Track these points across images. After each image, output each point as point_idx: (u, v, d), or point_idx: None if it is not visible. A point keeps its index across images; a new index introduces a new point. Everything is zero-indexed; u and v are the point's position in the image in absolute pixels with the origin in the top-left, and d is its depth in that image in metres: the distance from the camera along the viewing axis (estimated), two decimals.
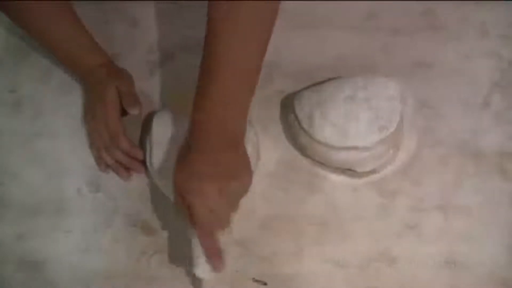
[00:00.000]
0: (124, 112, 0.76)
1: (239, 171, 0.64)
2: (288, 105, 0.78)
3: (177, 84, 0.81)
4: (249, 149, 0.72)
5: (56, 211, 0.74)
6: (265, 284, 0.69)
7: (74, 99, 0.82)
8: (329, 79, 0.77)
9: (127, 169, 0.75)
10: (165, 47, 0.85)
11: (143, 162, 0.75)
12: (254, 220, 0.72)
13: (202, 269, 0.64)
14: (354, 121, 0.72)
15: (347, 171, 0.74)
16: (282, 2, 0.89)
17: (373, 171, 0.74)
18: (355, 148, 0.71)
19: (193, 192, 0.62)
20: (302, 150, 0.76)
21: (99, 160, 0.76)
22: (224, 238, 0.64)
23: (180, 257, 0.70)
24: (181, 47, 0.85)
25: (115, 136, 0.74)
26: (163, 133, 0.73)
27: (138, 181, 0.75)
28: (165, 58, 0.85)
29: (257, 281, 0.69)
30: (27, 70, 0.85)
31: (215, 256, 0.63)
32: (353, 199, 0.73)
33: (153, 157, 0.73)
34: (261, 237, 0.71)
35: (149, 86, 0.82)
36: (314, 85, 0.77)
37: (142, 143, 0.77)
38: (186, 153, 0.64)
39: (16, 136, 0.80)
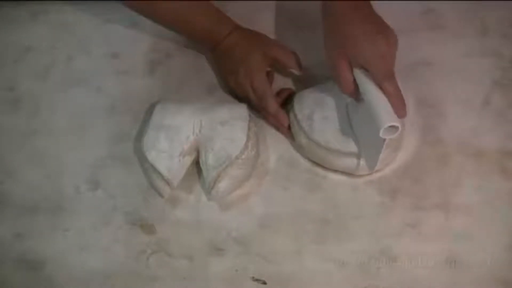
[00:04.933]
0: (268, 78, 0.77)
1: (386, 26, 0.67)
2: (288, 104, 0.78)
3: (176, 81, 0.83)
4: (249, 147, 0.72)
5: (54, 209, 0.74)
6: (264, 283, 0.68)
7: (72, 96, 0.82)
8: (330, 79, 0.76)
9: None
10: (164, 46, 0.86)
11: (289, 127, 0.76)
12: (254, 218, 0.72)
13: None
14: None
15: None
16: (282, 2, 0.89)
17: None
18: (355, 154, 0.71)
19: (366, 40, 0.65)
20: (301, 149, 0.76)
21: None
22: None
23: (179, 256, 0.70)
24: (179, 46, 0.86)
25: (263, 98, 0.75)
26: (161, 118, 0.74)
27: (137, 178, 0.75)
28: (165, 56, 0.85)
29: (256, 280, 0.68)
30: (25, 67, 0.85)
31: (400, 100, 0.64)
32: (353, 198, 0.73)
33: (145, 135, 0.73)
34: (260, 235, 0.71)
35: (150, 83, 0.83)
36: (315, 85, 0.77)
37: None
38: (334, 29, 0.68)
39: (14, 134, 0.79)
